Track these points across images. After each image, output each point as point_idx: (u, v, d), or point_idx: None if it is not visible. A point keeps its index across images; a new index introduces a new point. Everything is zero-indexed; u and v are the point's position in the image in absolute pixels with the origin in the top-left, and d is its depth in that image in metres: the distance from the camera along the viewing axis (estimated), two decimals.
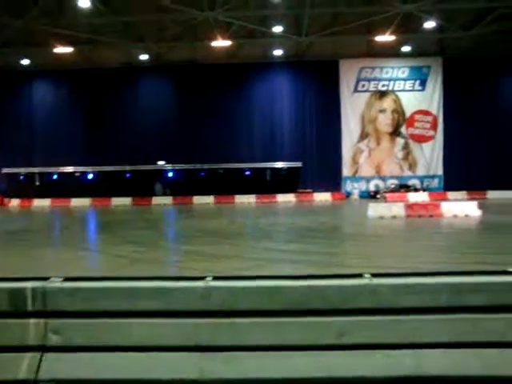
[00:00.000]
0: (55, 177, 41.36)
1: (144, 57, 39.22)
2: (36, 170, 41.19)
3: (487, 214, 21.54)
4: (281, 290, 3.28)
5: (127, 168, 40.64)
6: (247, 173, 41.06)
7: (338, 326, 3.21)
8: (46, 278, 3.41)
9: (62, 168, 40.88)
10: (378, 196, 37.86)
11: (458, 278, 3.31)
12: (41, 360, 3.23)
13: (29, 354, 3.25)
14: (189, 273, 8.97)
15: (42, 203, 38.46)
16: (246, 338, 3.22)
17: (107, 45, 36.86)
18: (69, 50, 36.25)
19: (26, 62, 39.95)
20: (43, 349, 3.26)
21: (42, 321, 3.29)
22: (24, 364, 3.21)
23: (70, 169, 41.00)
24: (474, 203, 22.01)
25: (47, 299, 3.28)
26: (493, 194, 36.77)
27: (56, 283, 3.35)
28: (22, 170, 41.19)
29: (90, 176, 41.36)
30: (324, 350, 3.19)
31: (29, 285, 3.31)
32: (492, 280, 3.27)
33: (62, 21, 32.20)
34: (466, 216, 20.86)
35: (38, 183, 41.38)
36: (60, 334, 3.27)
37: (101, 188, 39.33)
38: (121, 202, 38.10)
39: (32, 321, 3.29)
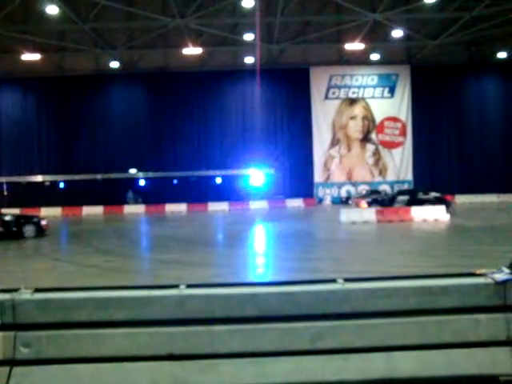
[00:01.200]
0: (23, 186, 40.41)
1: (115, 64, 38.85)
2: (3, 179, 40.17)
3: (455, 217, 22.04)
4: (255, 297, 3.29)
5: (99, 176, 40.06)
6: (220, 180, 41.02)
7: (312, 331, 3.23)
8: (15, 290, 3.33)
9: (30, 177, 40.00)
10: (350, 202, 38.31)
11: (427, 280, 3.39)
12: (10, 375, 3.15)
13: None
14: (162, 281, 8.88)
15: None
16: (221, 346, 3.21)
17: (77, 52, 36.44)
18: (37, 56, 35.63)
19: None
20: (12, 363, 3.18)
21: (11, 333, 3.21)
22: None
23: (39, 178, 40.15)
24: (443, 208, 22.48)
25: (16, 311, 3.21)
26: (460, 198, 37.60)
27: (26, 295, 3.28)
28: None
29: (61, 185, 40.57)
30: (299, 356, 3.21)
31: None
32: (460, 282, 3.36)
33: (29, 27, 31.69)
34: (435, 220, 21.30)
35: (5, 193, 40.36)
36: (30, 346, 3.19)
37: (71, 197, 38.61)
38: (92, 210, 37.48)
39: (0, 334, 3.20)
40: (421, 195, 25.82)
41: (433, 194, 25.99)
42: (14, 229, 18.51)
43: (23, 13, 30.55)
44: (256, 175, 41.09)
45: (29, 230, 18.78)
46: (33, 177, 40.00)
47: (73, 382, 3.14)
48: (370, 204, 27.65)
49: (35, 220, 19.42)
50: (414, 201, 24.81)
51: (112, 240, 18.36)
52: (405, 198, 25.93)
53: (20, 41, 33.08)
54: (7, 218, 18.81)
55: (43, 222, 19.46)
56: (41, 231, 19.10)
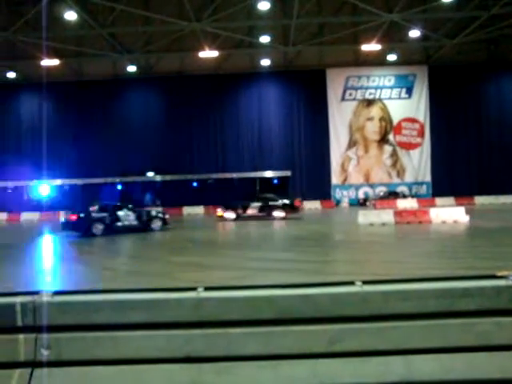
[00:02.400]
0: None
1: (132, 68, 39.28)
2: (23, 183, 40.88)
3: (475, 219, 21.72)
4: (273, 300, 3.29)
5: (117, 179, 40.49)
6: (237, 182, 41.08)
7: (329, 333, 3.21)
8: (35, 293, 3.38)
9: (51, 181, 40.65)
10: (368, 203, 38.09)
11: (447, 283, 3.34)
12: (31, 376, 3.19)
13: (18, 370, 3.20)
14: (180, 284, 8.93)
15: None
16: (238, 348, 3.21)
17: (94, 57, 36.90)
18: (56, 62, 36.20)
19: (11, 74, 39.82)
20: (33, 364, 3.23)
21: (32, 336, 3.25)
22: (13, 380, 3.17)
23: (58, 182, 40.75)
24: (462, 209, 22.19)
25: (37, 314, 3.25)
26: (480, 200, 37.12)
27: (46, 297, 3.32)
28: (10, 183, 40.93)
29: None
30: (316, 359, 3.20)
31: (18, 300, 3.27)
32: (481, 285, 3.30)
33: (48, 33, 32.18)
34: (455, 222, 21.02)
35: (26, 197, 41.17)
36: (51, 348, 3.24)
37: (88, 200, 39.11)
38: None
39: (22, 336, 3.25)
40: (271, 201, 26.88)
41: (283, 201, 27.00)
42: (147, 223, 22.07)
43: (42, 19, 31.04)
44: (273, 178, 41.03)
45: (156, 223, 22.29)
46: (52, 181, 40.61)
47: None
48: (226, 209, 27.31)
49: (161, 215, 22.89)
50: (266, 206, 26.41)
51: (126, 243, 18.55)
52: (258, 204, 26.92)
53: (39, 46, 33.60)
54: (142, 213, 22.48)
55: (167, 217, 23.18)
56: (165, 224, 22.63)
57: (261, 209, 25.31)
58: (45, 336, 3.25)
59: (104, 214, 21.23)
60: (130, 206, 22.43)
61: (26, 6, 29.30)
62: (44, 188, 40.93)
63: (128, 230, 21.41)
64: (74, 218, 21.03)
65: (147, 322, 3.25)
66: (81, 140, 41.18)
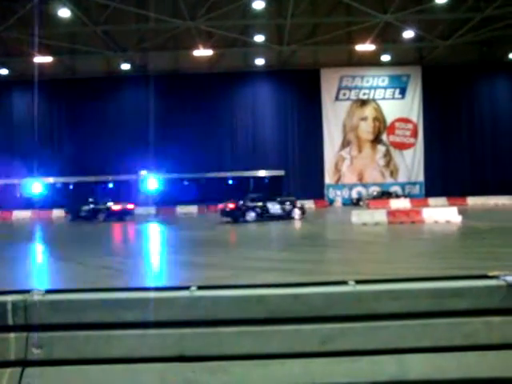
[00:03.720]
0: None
1: (126, 66, 39.11)
2: (16, 181, 40.59)
3: (468, 219, 21.85)
4: (266, 299, 3.29)
5: (109, 178, 40.33)
6: (230, 182, 41.08)
7: (322, 333, 3.22)
8: (27, 291, 3.36)
9: (45, 178, 40.39)
10: (361, 203, 38.19)
11: (439, 283, 3.36)
12: (22, 375, 3.17)
13: (9, 370, 3.18)
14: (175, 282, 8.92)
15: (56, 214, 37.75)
16: (232, 348, 3.22)
17: (88, 54, 36.72)
18: (49, 59, 35.99)
19: (4, 71, 39.58)
20: (24, 363, 3.21)
21: (23, 335, 3.23)
22: (4, 380, 3.15)
23: (49, 179, 40.50)
24: (455, 209, 22.30)
25: (28, 313, 3.23)
26: (473, 200, 37.31)
27: (37, 296, 3.30)
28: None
29: (71, 187, 40.96)
30: (308, 358, 3.21)
31: (9, 298, 3.25)
32: (473, 285, 3.33)
33: (41, 30, 31.99)
34: (447, 222, 21.12)
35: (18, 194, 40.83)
36: (42, 347, 3.22)
37: (79, 199, 38.95)
38: None
39: (13, 335, 3.23)
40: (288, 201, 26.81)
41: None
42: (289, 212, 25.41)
43: (35, 16, 30.85)
44: (266, 177, 41.08)
45: (297, 212, 25.66)
46: (44, 178, 40.35)
47: (84, 383, 3.16)
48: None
49: (300, 205, 26.30)
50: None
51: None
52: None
53: (32, 43, 33.40)
54: (286, 204, 25.74)
55: (306, 206, 27.40)
56: (303, 214, 25.78)
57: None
58: (36, 335, 3.24)
59: (256, 204, 24.99)
60: (278, 198, 26.21)
61: (19, 3, 29.09)
62: (36, 186, 40.64)
63: (274, 218, 24.85)
64: (232, 206, 24.94)
65: (140, 320, 3.24)
66: (73, 138, 40.97)
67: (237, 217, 24.72)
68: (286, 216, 25.23)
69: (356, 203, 39.06)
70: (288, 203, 25.99)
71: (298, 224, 23.79)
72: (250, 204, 25.02)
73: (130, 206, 30.81)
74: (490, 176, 40.46)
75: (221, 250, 14.31)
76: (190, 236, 19.64)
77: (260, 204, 25.07)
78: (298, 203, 26.62)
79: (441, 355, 3.20)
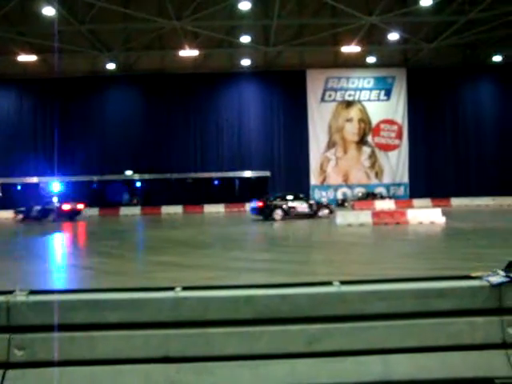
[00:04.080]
0: (19, 188, 40.30)
1: (111, 66, 38.80)
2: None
3: (451, 220, 22.08)
4: (252, 299, 3.28)
5: (94, 178, 39.98)
6: (216, 182, 41.02)
7: (308, 333, 3.23)
8: (10, 292, 3.31)
9: (26, 179, 39.84)
10: (346, 204, 38.39)
11: (423, 283, 3.39)
12: (3, 377, 3.12)
13: None
14: (158, 283, 8.85)
15: (4, 215, 37.26)
16: (217, 348, 3.20)
17: (73, 53, 36.35)
18: (33, 58, 35.56)
19: None
20: (6, 365, 3.16)
21: (5, 336, 3.18)
22: None
23: (34, 179, 39.98)
24: (439, 210, 22.51)
25: (11, 313, 3.18)
26: (456, 202, 37.72)
27: (20, 297, 3.26)
28: None
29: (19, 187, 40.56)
30: (295, 358, 3.21)
31: None
32: (456, 285, 3.36)
33: (25, 28, 31.62)
34: (432, 223, 21.32)
35: (0, 194, 40.19)
36: (25, 349, 3.17)
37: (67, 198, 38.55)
38: (88, 212, 37.32)
39: None
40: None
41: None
42: (316, 211, 26.24)
43: (19, 14, 30.46)
44: (252, 178, 41.06)
45: (324, 212, 26.64)
46: (28, 179, 39.84)
47: None
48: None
49: (326, 205, 27.90)
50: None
51: (108, 242, 18.34)
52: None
53: (16, 42, 33.02)
54: (311, 202, 27.00)
55: (332, 207, 28.39)
56: (331, 213, 26.30)
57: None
58: (18, 336, 3.19)
59: (283, 203, 25.76)
60: (304, 196, 27.33)
61: (3, 1, 28.68)
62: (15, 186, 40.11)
63: (301, 216, 25.54)
64: (260, 204, 25.84)
65: (124, 321, 3.21)
66: (58, 137, 40.44)
67: (266, 215, 25.55)
68: (313, 214, 26.11)
69: (341, 204, 39.25)
70: (313, 202, 27.57)
71: (308, 223, 23.90)
72: (277, 203, 25.85)
73: (80, 206, 31.61)
74: (474, 177, 40.96)
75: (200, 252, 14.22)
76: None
77: (289, 203, 25.86)
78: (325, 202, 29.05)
79: (426, 355, 3.23)
